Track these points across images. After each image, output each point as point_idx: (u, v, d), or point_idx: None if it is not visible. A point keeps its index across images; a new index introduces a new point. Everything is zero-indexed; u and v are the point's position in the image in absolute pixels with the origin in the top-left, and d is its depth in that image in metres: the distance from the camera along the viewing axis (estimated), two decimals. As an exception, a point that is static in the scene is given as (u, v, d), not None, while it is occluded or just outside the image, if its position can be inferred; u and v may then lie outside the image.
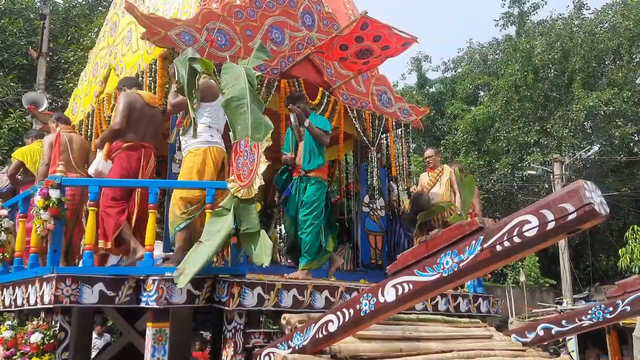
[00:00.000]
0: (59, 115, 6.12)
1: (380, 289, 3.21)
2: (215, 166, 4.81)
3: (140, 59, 6.02)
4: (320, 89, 6.62)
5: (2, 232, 5.12)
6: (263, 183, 4.12)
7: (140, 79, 5.93)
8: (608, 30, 23.07)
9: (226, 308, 4.07)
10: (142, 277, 4.19)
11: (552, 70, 22.53)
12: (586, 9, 25.78)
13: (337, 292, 4.63)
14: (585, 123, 22.87)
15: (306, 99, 5.89)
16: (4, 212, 5.22)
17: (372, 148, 7.30)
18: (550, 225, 2.56)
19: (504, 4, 27.26)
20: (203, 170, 4.74)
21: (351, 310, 3.35)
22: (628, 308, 4.65)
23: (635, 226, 16.43)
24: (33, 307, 4.29)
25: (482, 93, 27.92)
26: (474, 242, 2.82)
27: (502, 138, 22.84)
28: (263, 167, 4.10)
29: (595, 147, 22.20)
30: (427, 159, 7.50)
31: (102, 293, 4.07)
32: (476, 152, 23.89)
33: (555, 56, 22.35)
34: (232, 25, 5.96)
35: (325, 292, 4.57)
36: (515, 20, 27.21)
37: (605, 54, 23.05)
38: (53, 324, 4.06)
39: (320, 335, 3.49)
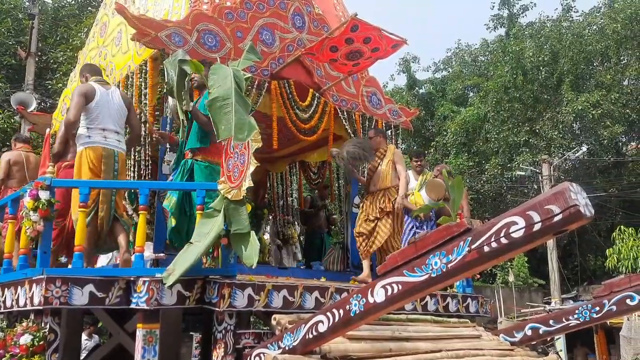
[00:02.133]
0: (17, 135, 6.57)
1: (369, 290, 3.23)
2: (92, 165, 4.82)
3: (130, 60, 6.02)
4: (311, 90, 6.64)
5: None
6: (252, 184, 4.14)
7: (130, 79, 5.96)
8: (596, 32, 23.26)
9: (216, 309, 4.08)
10: (132, 279, 4.19)
11: (541, 72, 22.67)
12: (574, 12, 26.01)
13: (327, 292, 4.66)
14: (574, 124, 23.05)
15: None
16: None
17: (362, 149, 7.32)
18: (537, 227, 2.60)
19: (493, 6, 27.48)
20: (79, 174, 4.86)
21: (341, 311, 3.38)
22: (614, 308, 4.70)
23: (622, 226, 16.56)
24: (22, 309, 4.28)
25: (471, 94, 28.04)
26: (462, 243, 2.85)
27: (492, 139, 22.94)
28: (252, 168, 4.12)
29: (584, 148, 22.37)
30: None
31: (92, 294, 4.07)
32: (466, 154, 24.00)
33: (544, 58, 22.51)
34: (223, 26, 5.96)
35: (316, 293, 4.59)
36: (504, 22, 27.38)
37: (593, 56, 23.23)
38: (43, 325, 4.05)
39: (310, 336, 3.52)
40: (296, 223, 9.49)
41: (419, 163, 6.99)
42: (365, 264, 6.27)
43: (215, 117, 4.25)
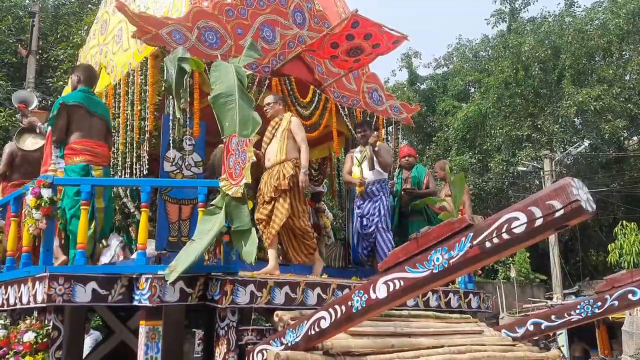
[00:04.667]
0: None
1: (371, 286, 3.23)
2: None
3: (131, 58, 6.01)
4: (312, 87, 6.64)
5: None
6: (250, 181, 4.14)
7: (131, 77, 5.97)
8: (598, 27, 23.17)
9: (219, 306, 4.09)
10: (135, 276, 4.20)
11: (535, 68, 22.59)
12: (577, 7, 25.90)
13: (329, 289, 4.66)
14: (576, 119, 23.00)
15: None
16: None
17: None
18: (538, 222, 2.59)
19: (495, 0, 27.35)
20: None
21: (343, 307, 3.38)
22: (616, 303, 4.70)
23: (624, 221, 16.56)
24: (26, 307, 4.29)
25: (472, 89, 27.97)
26: (463, 239, 2.85)
27: (497, 135, 22.83)
28: (249, 163, 4.13)
29: (586, 143, 22.33)
30: (265, 108, 5.72)
31: (95, 292, 4.09)
32: (468, 149, 23.95)
33: (543, 54, 22.44)
34: (223, 23, 5.96)
35: (318, 290, 4.60)
36: (506, 17, 27.29)
37: (595, 51, 23.15)
38: (46, 323, 4.07)
39: (313, 332, 3.52)
40: (326, 210, 9.25)
41: (362, 134, 6.57)
42: (271, 253, 5.32)
43: (220, 114, 4.26)
